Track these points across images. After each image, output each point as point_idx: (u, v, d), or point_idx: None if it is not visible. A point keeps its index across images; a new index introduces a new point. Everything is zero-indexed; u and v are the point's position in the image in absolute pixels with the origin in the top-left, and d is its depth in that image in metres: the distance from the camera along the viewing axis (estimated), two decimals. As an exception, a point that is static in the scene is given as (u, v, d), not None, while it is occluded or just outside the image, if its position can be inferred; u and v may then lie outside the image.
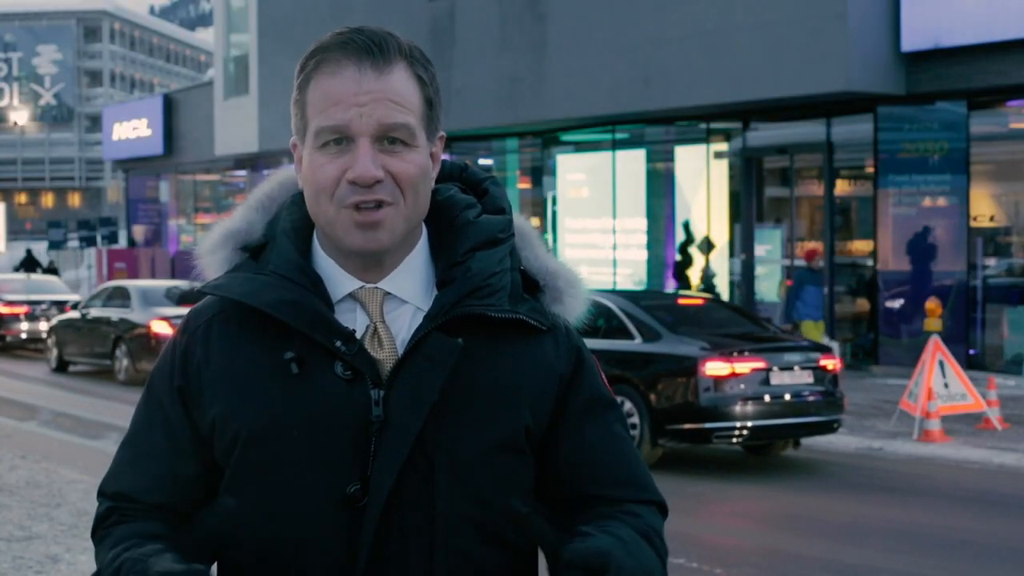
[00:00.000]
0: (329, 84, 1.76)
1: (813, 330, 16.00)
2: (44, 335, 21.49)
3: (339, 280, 1.82)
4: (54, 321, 20.28)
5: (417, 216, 1.81)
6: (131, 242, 38.02)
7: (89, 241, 35.49)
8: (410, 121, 1.77)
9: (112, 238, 35.18)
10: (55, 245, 38.99)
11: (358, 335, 1.78)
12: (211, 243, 1.90)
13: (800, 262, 17.75)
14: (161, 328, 17.05)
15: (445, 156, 1.91)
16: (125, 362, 17.75)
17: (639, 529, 1.82)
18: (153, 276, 33.38)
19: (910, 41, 16.40)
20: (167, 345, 1.90)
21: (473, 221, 1.86)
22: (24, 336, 23.09)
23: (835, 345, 14.88)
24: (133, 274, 34.63)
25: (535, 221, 23.32)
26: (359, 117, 1.74)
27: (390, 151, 1.76)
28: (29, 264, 37.58)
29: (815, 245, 17.35)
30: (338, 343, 1.76)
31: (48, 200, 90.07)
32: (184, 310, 17.26)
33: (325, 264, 1.83)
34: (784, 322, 16.21)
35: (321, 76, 1.77)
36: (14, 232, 62.92)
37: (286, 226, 1.86)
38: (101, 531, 1.88)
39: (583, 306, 1.92)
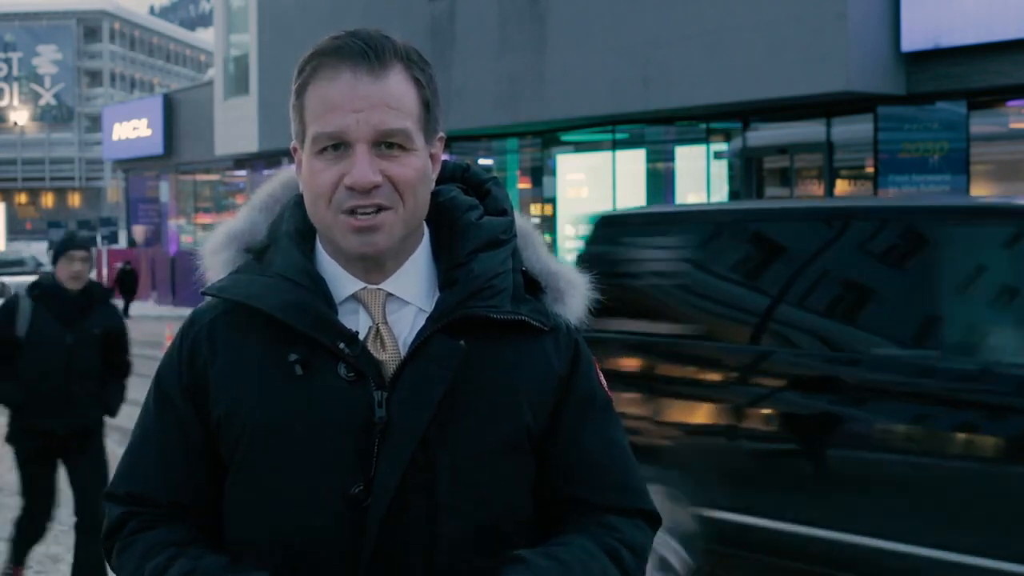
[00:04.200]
0: (325, 90, 1.76)
1: None
2: None
3: (342, 281, 1.83)
4: None
5: (416, 219, 1.81)
6: (131, 242, 38.03)
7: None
8: (407, 125, 1.77)
9: (112, 238, 35.21)
10: (55, 245, 38.98)
11: (361, 336, 1.79)
12: (215, 244, 1.90)
13: None
14: None
15: (446, 156, 1.91)
16: None
17: (605, 546, 1.81)
18: (153, 276, 33.39)
19: (910, 41, 16.41)
20: (172, 344, 1.90)
21: (475, 223, 1.87)
22: None
23: None
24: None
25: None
26: (356, 123, 1.74)
27: (388, 155, 1.76)
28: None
29: None
30: (341, 345, 1.76)
31: (48, 200, 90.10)
32: None
33: (328, 265, 1.84)
34: None
35: (317, 82, 1.77)
36: (14, 232, 62.90)
37: (289, 228, 1.86)
38: (121, 539, 1.85)
39: (585, 306, 1.93)
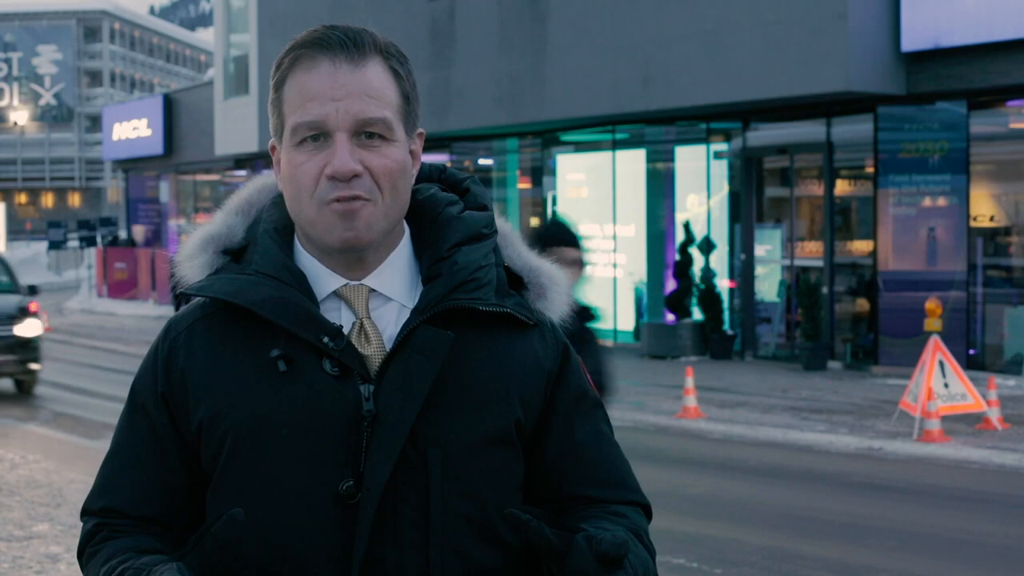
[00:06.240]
0: (305, 80, 1.76)
1: None
2: None
3: (323, 278, 1.81)
4: None
5: (396, 212, 1.81)
6: (130, 242, 38.02)
7: (89, 241, 35.53)
8: (387, 115, 1.76)
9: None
10: (55, 245, 39.03)
11: (344, 332, 1.77)
12: (191, 248, 1.88)
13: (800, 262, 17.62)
14: None
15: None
16: None
17: (629, 528, 1.83)
18: (153, 276, 33.38)
19: (910, 41, 16.40)
20: (148, 352, 1.88)
21: (457, 216, 1.86)
22: None
23: None
24: (133, 274, 34.66)
25: (534, 221, 23.32)
26: (335, 112, 1.74)
27: (368, 145, 1.75)
28: None
29: None
30: (325, 339, 1.75)
31: (48, 200, 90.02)
32: None
33: (308, 263, 1.83)
34: None
35: (297, 73, 1.77)
36: (14, 232, 62.89)
37: (267, 227, 1.85)
38: (89, 549, 1.84)
39: (566, 303, 1.93)
